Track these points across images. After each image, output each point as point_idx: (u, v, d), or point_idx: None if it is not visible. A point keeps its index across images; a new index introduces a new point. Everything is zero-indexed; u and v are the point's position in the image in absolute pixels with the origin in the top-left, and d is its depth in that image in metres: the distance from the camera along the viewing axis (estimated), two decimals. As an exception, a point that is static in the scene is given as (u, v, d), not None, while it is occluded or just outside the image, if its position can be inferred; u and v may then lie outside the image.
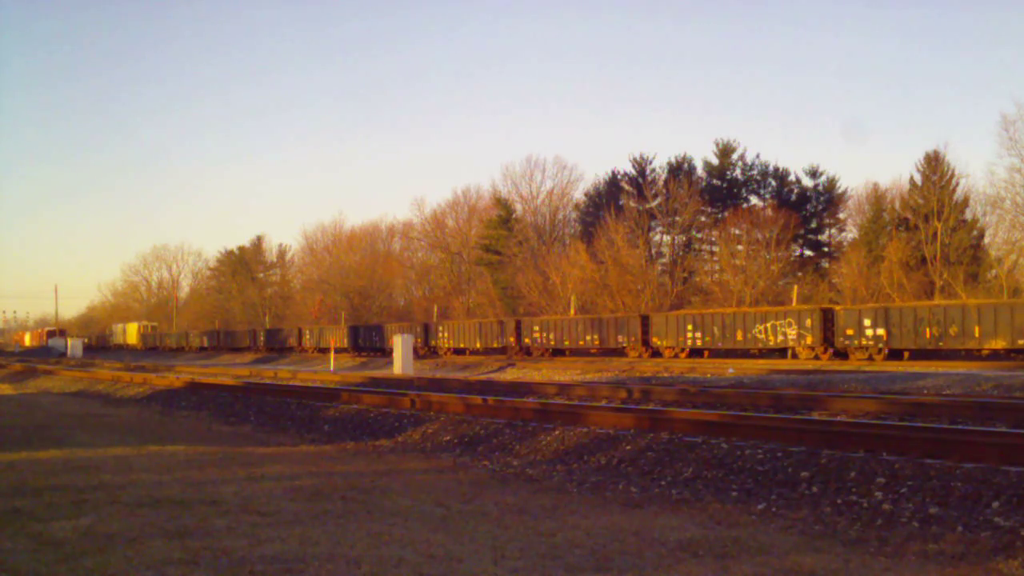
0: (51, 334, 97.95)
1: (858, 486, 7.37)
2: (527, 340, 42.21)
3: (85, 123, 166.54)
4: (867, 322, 30.28)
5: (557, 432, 10.91)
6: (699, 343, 35.06)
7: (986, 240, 48.11)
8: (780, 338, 32.59)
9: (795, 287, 43.63)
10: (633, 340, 37.37)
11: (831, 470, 7.83)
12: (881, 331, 29.85)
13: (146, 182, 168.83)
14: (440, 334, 47.30)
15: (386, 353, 44.90)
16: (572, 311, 45.98)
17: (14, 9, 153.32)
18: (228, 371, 35.14)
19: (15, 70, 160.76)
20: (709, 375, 25.47)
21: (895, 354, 29.63)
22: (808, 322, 31.76)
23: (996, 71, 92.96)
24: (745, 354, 34.77)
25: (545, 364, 34.50)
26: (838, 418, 11.39)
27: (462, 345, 45.80)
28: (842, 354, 31.03)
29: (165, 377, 27.23)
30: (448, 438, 11.87)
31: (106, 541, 5.83)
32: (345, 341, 52.71)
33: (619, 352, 38.62)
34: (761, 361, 31.60)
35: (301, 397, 17.91)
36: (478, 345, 44.69)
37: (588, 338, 39.38)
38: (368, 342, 51.67)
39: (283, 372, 32.23)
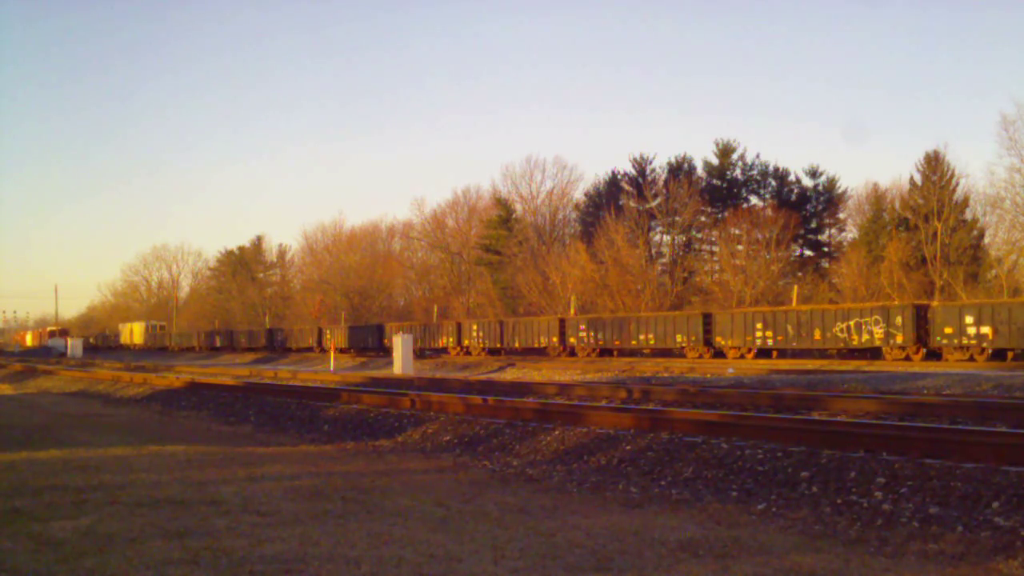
0: (53, 334, 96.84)
1: (858, 486, 7.37)
2: (572, 340, 40.13)
3: (85, 123, 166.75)
4: (969, 319, 27.68)
5: (557, 432, 10.91)
6: (769, 343, 32.71)
7: (986, 240, 48.17)
8: (866, 337, 30.11)
9: (795, 287, 43.63)
10: (693, 340, 35.12)
11: (831, 470, 7.83)
12: (986, 329, 27.21)
13: (146, 182, 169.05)
14: (473, 333, 45.07)
15: (386, 353, 44.90)
16: (572, 311, 45.94)
17: (14, 9, 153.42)
18: (228, 371, 35.13)
19: (15, 70, 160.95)
20: (709, 375, 25.47)
21: (998, 354, 27.34)
22: (898, 319, 29.20)
23: (996, 71, 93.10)
24: (822, 354, 32.34)
25: (545, 364, 34.47)
26: (838, 418, 11.39)
27: (497, 345, 43.65)
28: (936, 354, 28.75)
29: (165, 377, 27.23)
30: (448, 438, 11.87)
31: (106, 541, 5.83)
32: (345, 341, 52.71)
33: (677, 353, 36.42)
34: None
35: (301, 397, 17.90)
36: (517, 345, 42.41)
37: (642, 337, 37.14)
38: (368, 342, 51.68)
39: (283, 372, 32.23)
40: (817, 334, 31.42)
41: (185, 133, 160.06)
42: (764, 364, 29.62)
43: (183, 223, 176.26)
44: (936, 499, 6.80)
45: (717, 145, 60.24)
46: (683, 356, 35.52)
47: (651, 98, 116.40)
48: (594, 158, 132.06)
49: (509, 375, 31.24)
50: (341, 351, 49.76)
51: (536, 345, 41.85)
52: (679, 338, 35.73)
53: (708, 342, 34.96)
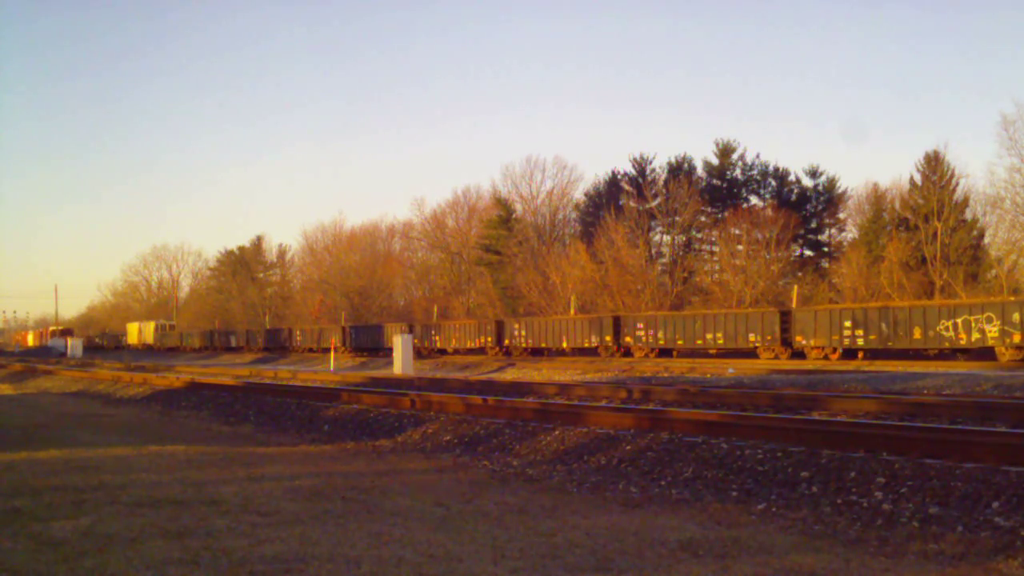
0: (54, 334, 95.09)
1: (858, 486, 7.37)
2: (628, 339, 37.34)
3: (85, 123, 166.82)
4: None
5: (557, 432, 10.91)
6: (859, 342, 29.90)
7: (986, 240, 48.14)
8: (976, 336, 27.47)
9: (795, 287, 43.62)
10: (769, 339, 32.40)
11: (831, 470, 7.83)
12: None
13: (146, 182, 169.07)
14: (517, 332, 42.09)
15: (386, 353, 44.89)
16: (572, 311, 45.91)
17: (14, 9, 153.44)
18: (228, 371, 35.13)
19: (15, 70, 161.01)
20: (709, 375, 25.47)
21: None
22: (1015, 316, 26.56)
23: (996, 71, 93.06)
24: (918, 356, 29.62)
25: (545, 364, 34.44)
26: (838, 418, 11.39)
27: (542, 345, 41.19)
28: None
29: (165, 377, 27.23)
30: (448, 438, 11.87)
31: (106, 541, 5.83)
32: (345, 341, 52.72)
33: (748, 353, 33.63)
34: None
35: (301, 397, 17.90)
36: (564, 345, 39.57)
37: (708, 336, 34.43)
38: (368, 342, 51.69)
39: (283, 372, 32.22)
40: (917, 332, 28.59)
41: (185, 133, 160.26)
42: (764, 364, 29.59)
43: (183, 223, 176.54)
44: (936, 499, 6.80)
45: (717, 145, 60.29)
46: (755, 357, 32.84)
47: (651, 98, 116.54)
48: (594, 158, 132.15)
49: (509, 375, 31.24)
50: (341, 351, 49.77)
51: (586, 345, 38.78)
52: (752, 337, 32.97)
53: (786, 341, 32.11)
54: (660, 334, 36.18)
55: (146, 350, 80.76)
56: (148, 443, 11.83)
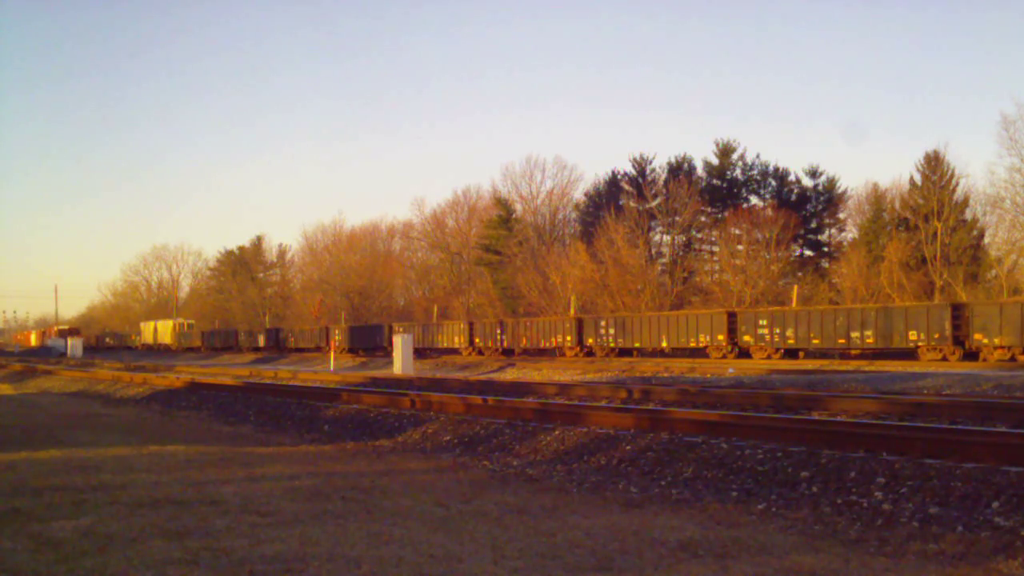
0: (62, 333, 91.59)
1: (858, 486, 7.37)
2: (746, 338, 33.26)
3: (85, 123, 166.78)
4: None
5: (557, 432, 10.91)
6: None
7: (986, 240, 48.16)
8: None
9: (795, 287, 43.61)
10: (936, 337, 28.22)
11: (831, 470, 7.83)
12: None
13: (146, 182, 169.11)
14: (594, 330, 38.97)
15: (386, 353, 44.89)
16: (572, 311, 45.90)
17: (14, 9, 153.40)
18: (228, 371, 35.13)
19: (15, 70, 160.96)
20: (709, 375, 25.47)
21: None
22: None
23: (996, 71, 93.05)
24: None
25: (545, 364, 34.43)
26: (838, 418, 11.39)
27: (621, 343, 38.06)
28: None
29: (165, 377, 27.23)
30: (448, 438, 11.87)
31: (106, 541, 5.82)
32: (345, 341, 52.72)
33: (907, 354, 29.20)
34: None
35: (301, 397, 17.90)
36: (665, 345, 35.98)
37: (854, 335, 30.00)
38: (368, 342, 51.68)
39: (283, 372, 32.22)
40: None
41: (185, 133, 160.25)
42: (764, 364, 29.57)
43: (183, 223, 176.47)
44: (936, 499, 6.80)
45: (717, 145, 60.29)
46: (915, 358, 28.64)
47: (651, 98, 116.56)
48: (594, 158, 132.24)
49: (509, 375, 31.23)
50: (341, 351, 49.77)
51: (693, 345, 35.18)
52: (912, 335, 28.83)
53: (958, 340, 27.96)
54: (788, 332, 32.05)
55: (163, 351, 77.62)
56: (148, 443, 11.83)
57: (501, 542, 5.82)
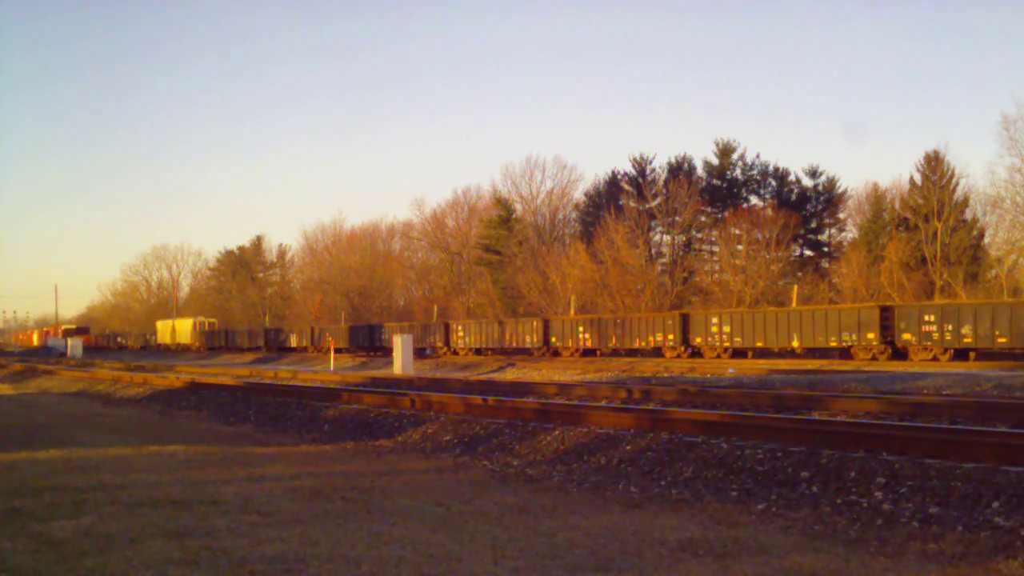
0: (68, 332, 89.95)
1: (858, 486, 7.37)
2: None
3: (85, 123, 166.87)
4: None
5: (557, 432, 10.91)
6: None
7: (986, 240, 48.17)
8: None
9: (795, 287, 43.61)
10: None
11: (831, 470, 7.83)
12: None
13: (146, 182, 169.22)
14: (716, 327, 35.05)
15: (386, 353, 44.88)
16: (572, 311, 45.89)
17: (14, 9, 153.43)
18: (228, 371, 35.11)
19: (15, 70, 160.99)
20: (709, 375, 25.46)
21: None
22: None
23: (996, 71, 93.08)
24: None
25: (545, 364, 34.43)
26: (838, 418, 11.38)
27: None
28: None
29: (165, 377, 27.22)
30: (448, 438, 11.87)
31: (106, 541, 5.82)
32: (345, 341, 52.71)
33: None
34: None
35: (301, 397, 17.90)
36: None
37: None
38: (368, 342, 51.68)
39: (283, 372, 32.21)
40: None
41: (185, 133, 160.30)
42: (765, 364, 29.54)
43: (183, 223, 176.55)
44: (936, 499, 6.80)
45: (717, 145, 60.32)
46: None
47: (651, 98, 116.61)
48: (594, 158, 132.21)
49: (509, 375, 31.23)
50: (341, 351, 49.77)
51: (834, 344, 31.90)
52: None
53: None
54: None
55: (181, 351, 74.06)
56: (148, 443, 11.83)
57: (501, 542, 5.82)
